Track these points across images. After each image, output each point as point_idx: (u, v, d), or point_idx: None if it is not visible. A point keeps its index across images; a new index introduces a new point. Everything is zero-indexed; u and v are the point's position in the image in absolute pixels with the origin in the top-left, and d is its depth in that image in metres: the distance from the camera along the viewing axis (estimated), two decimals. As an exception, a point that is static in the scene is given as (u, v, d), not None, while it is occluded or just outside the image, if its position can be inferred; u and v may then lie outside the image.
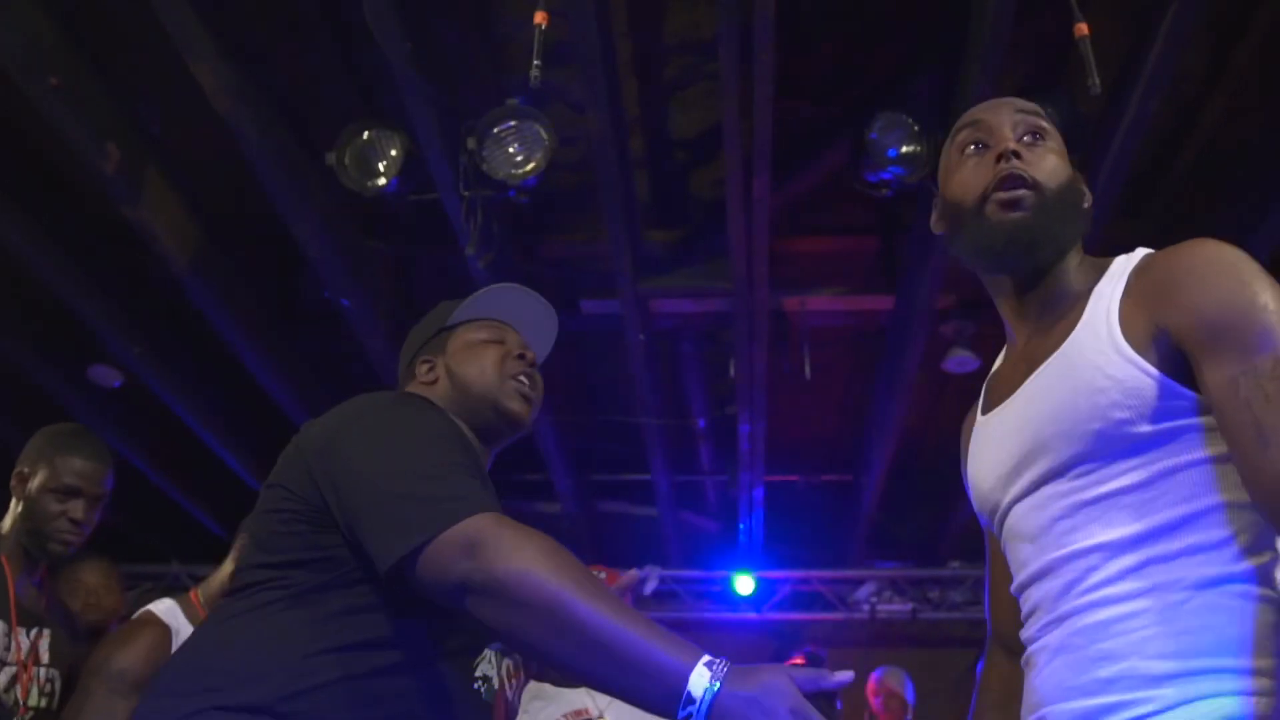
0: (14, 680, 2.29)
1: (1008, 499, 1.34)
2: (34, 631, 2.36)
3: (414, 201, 3.59)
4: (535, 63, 2.40)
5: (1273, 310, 1.16)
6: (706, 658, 1.12)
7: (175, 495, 5.64)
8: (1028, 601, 1.31)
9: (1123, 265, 1.32)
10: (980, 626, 5.51)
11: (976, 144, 1.38)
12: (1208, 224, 3.78)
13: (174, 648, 2.44)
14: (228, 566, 2.59)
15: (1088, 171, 3.36)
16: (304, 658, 1.29)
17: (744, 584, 6.07)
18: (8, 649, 2.28)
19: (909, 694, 4.41)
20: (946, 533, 5.90)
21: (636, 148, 3.79)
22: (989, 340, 4.26)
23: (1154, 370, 1.20)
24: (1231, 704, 1.10)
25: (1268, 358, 1.13)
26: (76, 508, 2.33)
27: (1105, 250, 1.40)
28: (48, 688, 2.37)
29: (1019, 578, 1.33)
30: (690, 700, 1.08)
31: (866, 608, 6.16)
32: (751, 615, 6.17)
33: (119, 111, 3.39)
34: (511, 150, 3.38)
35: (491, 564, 1.18)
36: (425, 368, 1.64)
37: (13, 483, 2.40)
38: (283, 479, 1.41)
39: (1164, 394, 1.19)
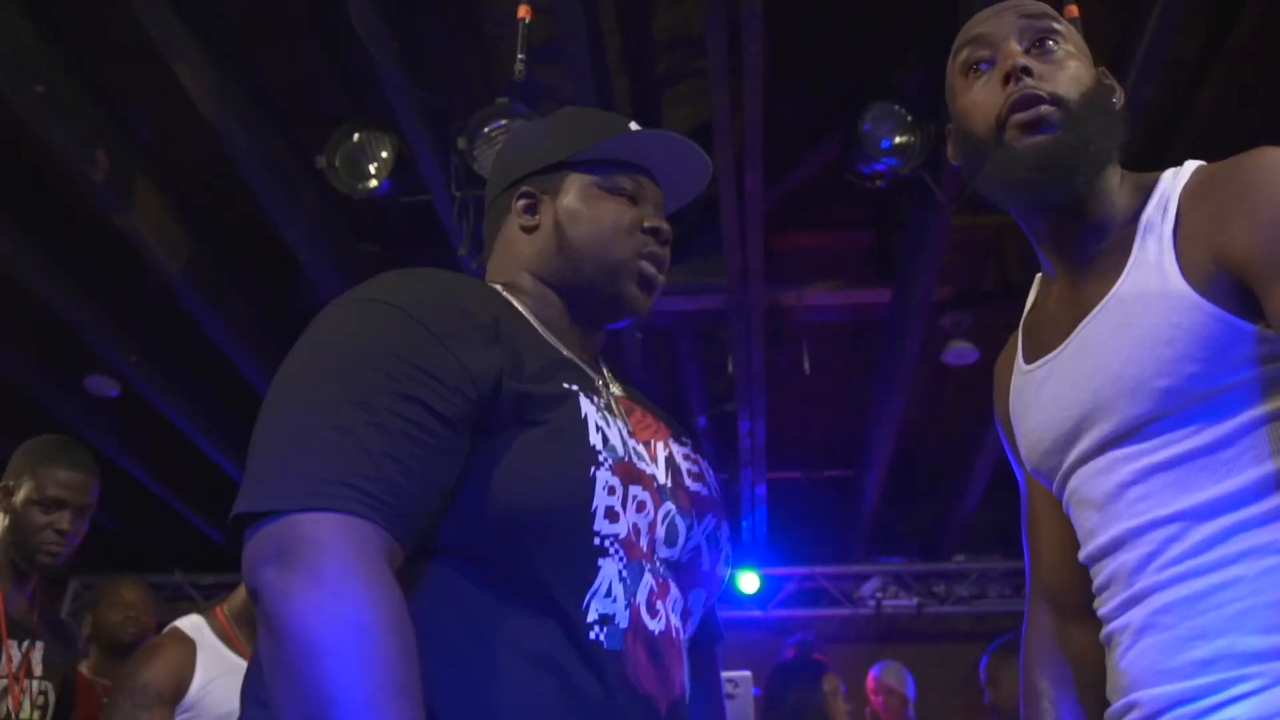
0: (5, 692, 2.27)
1: (1068, 462, 1.21)
2: (25, 644, 2.35)
3: (406, 203, 3.57)
4: (520, 56, 2.38)
5: None
6: None
7: (176, 504, 5.62)
8: (1099, 575, 1.19)
9: (1169, 185, 1.16)
10: (986, 620, 5.51)
11: (981, 63, 1.20)
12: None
13: (199, 663, 2.47)
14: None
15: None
16: None
17: (748, 582, 6.05)
18: None
19: (909, 690, 4.39)
20: (950, 526, 5.87)
21: (629, 145, 3.77)
22: (988, 332, 4.24)
23: (1223, 312, 1.05)
24: None
25: None
26: (63, 519, 2.31)
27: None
28: (40, 700, 2.36)
29: (1087, 548, 1.20)
30: None
31: (872, 603, 6.14)
32: (756, 613, 6.14)
33: (106, 119, 3.37)
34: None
35: (286, 595, 0.86)
36: (525, 204, 1.24)
37: None
38: None
39: (1237, 339, 1.06)
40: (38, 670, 2.36)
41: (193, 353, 4.50)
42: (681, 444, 1.23)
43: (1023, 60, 1.15)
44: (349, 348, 1.00)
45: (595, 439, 1.05)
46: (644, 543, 1.07)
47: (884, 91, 3.31)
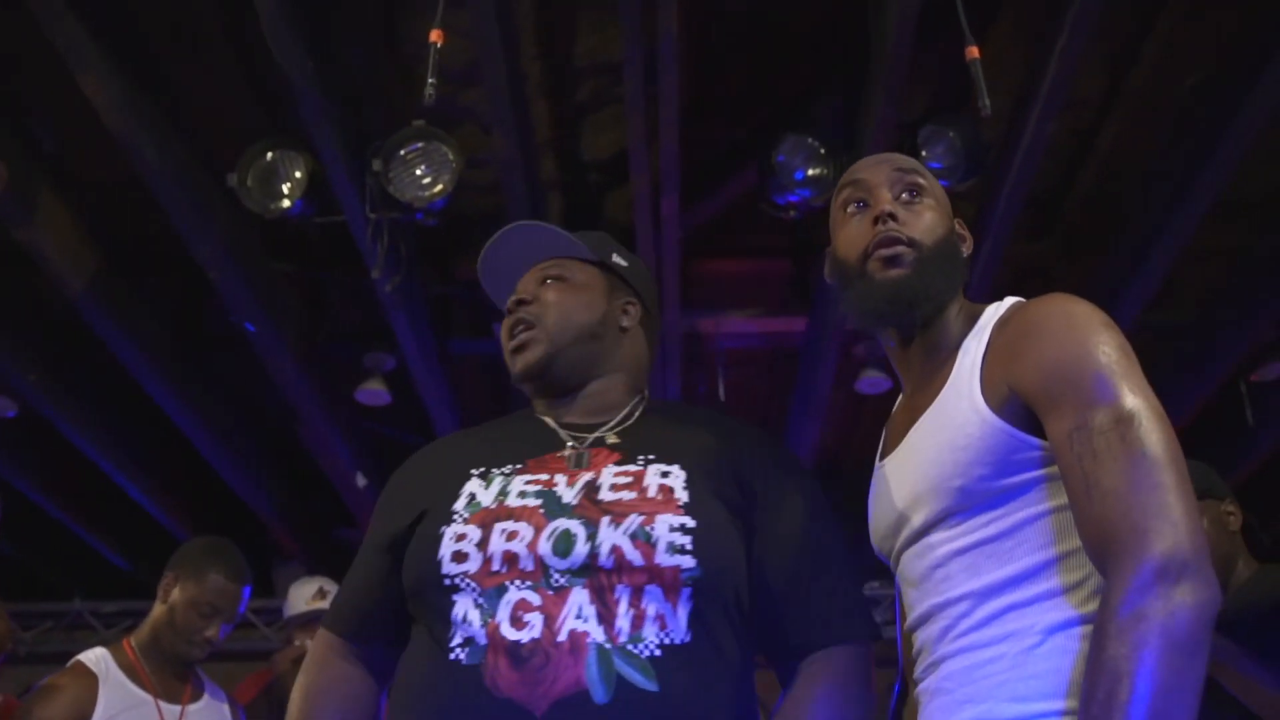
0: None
1: (898, 546, 1.40)
2: None
3: (322, 224, 3.53)
4: (430, 80, 2.37)
5: (1110, 364, 1.20)
6: None
7: (76, 529, 5.44)
8: (915, 644, 1.38)
9: (989, 317, 1.37)
10: (894, 647, 5.56)
11: (858, 202, 1.44)
12: (1106, 245, 3.87)
13: (100, 699, 2.39)
14: (158, 608, 2.58)
15: (989, 195, 3.42)
16: None
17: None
18: None
19: None
20: (865, 553, 5.92)
21: (549, 169, 3.77)
22: (901, 361, 4.31)
23: (1008, 426, 1.25)
24: None
25: (1101, 411, 1.17)
26: None
27: (1010, 272, 1.44)
28: None
29: (909, 620, 1.39)
30: None
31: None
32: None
33: (6, 129, 3.28)
34: (419, 172, 3.34)
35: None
36: None
37: None
38: None
39: (1018, 448, 1.24)
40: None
41: (96, 372, 4.38)
42: (635, 463, 1.41)
43: (890, 207, 1.39)
44: None
45: (460, 504, 1.37)
46: (507, 567, 1.29)
47: (800, 123, 3.36)
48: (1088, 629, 1.17)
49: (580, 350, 1.53)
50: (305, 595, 3.76)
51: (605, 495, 1.33)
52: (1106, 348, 1.21)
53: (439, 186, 3.28)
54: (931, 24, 2.89)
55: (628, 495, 1.33)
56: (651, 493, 1.35)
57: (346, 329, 4.47)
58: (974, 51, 2.47)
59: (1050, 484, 1.24)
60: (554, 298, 1.54)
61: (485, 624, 1.25)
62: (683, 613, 1.28)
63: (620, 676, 1.22)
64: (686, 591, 1.29)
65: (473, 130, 3.53)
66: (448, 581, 1.30)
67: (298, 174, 3.38)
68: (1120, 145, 3.68)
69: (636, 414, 1.55)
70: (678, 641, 1.27)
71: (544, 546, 1.28)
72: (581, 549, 1.27)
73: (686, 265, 3.76)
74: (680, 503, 1.34)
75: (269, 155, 3.37)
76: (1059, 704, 1.16)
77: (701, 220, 3.81)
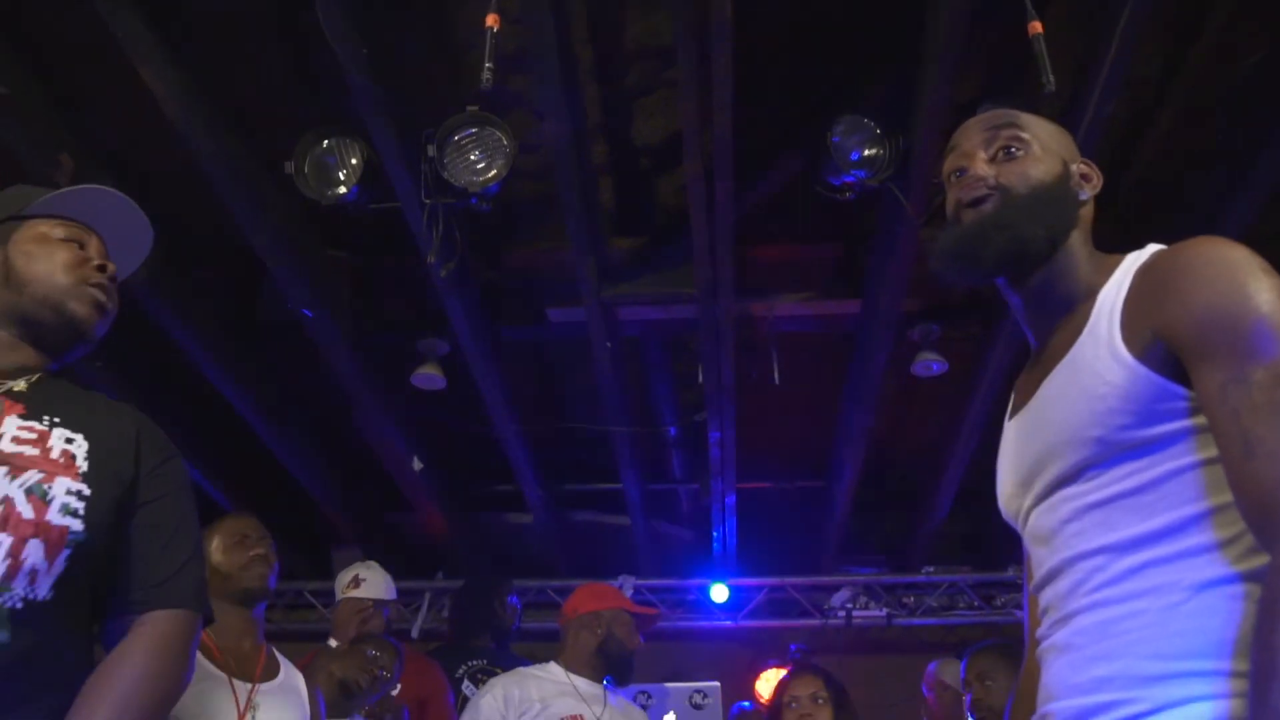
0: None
1: (1027, 503, 1.37)
2: None
3: (375, 210, 3.55)
4: (488, 65, 2.38)
5: (1268, 314, 1.14)
6: None
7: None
8: (1042, 601, 1.34)
9: (1130, 264, 1.32)
10: (955, 632, 5.50)
11: (958, 171, 1.44)
12: (1164, 228, 3.78)
13: None
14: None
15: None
16: None
17: (719, 592, 6.04)
18: None
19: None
20: (919, 538, 5.89)
21: (599, 154, 3.77)
22: (956, 344, 4.26)
23: (1152, 374, 1.20)
24: (1207, 709, 1.10)
25: (1259, 365, 1.12)
26: None
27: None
28: None
29: (1036, 578, 1.36)
30: None
31: (842, 614, 6.14)
32: (726, 623, 6.14)
33: (67, 123, 3.33)
34: (473, 157, 3.35)
35: None
36: None
37: None
38: None
39: (1162, 397, 1.20)
40: None
41: (156, 361, 4.45)
42: (35, 420, 1.46)
43: (981, 171, 1.40)
44: None
45: None
46: None
47: (853, 104, 3.32)
48: (1242, 587, 1.13)
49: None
50: (342, 583, 3.85)
51: (8, 447, 1.40)
52: (1267, 294, 1.15)
53: (493, 171, 3.29)
54: (987, 2, 2.84)
55: (26, 450, 1.41)
56: (54, 454, 1.43)
57: (397, 316, 4.50)
58: (1036, 26, 2.43)
59: (1199, 436, 1.19)
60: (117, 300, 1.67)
61: None
62: (56, 572, 1.38)
63: None
64: (66, 553, 1.39)
65: (521, 116, 3.54)
66: None
67: (353, 161, 3.41)
68: (1179, 125, 3.60)
69: (40, 374, 1.56)
70: (40, 598, 1.36)
71: None
72: None
73: (738, 249, 3.73)
74: (80, 470, 1.44)
75: (324, 143, 3.40)
76: (1205, 663, 1.12)
77: (753, 203, 3.79)
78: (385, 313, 4.48)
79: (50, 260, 1.51)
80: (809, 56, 3.45)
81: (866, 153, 3.29)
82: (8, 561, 1.34)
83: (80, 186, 1.58)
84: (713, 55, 2.90)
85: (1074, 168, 1.43)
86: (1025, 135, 1.42)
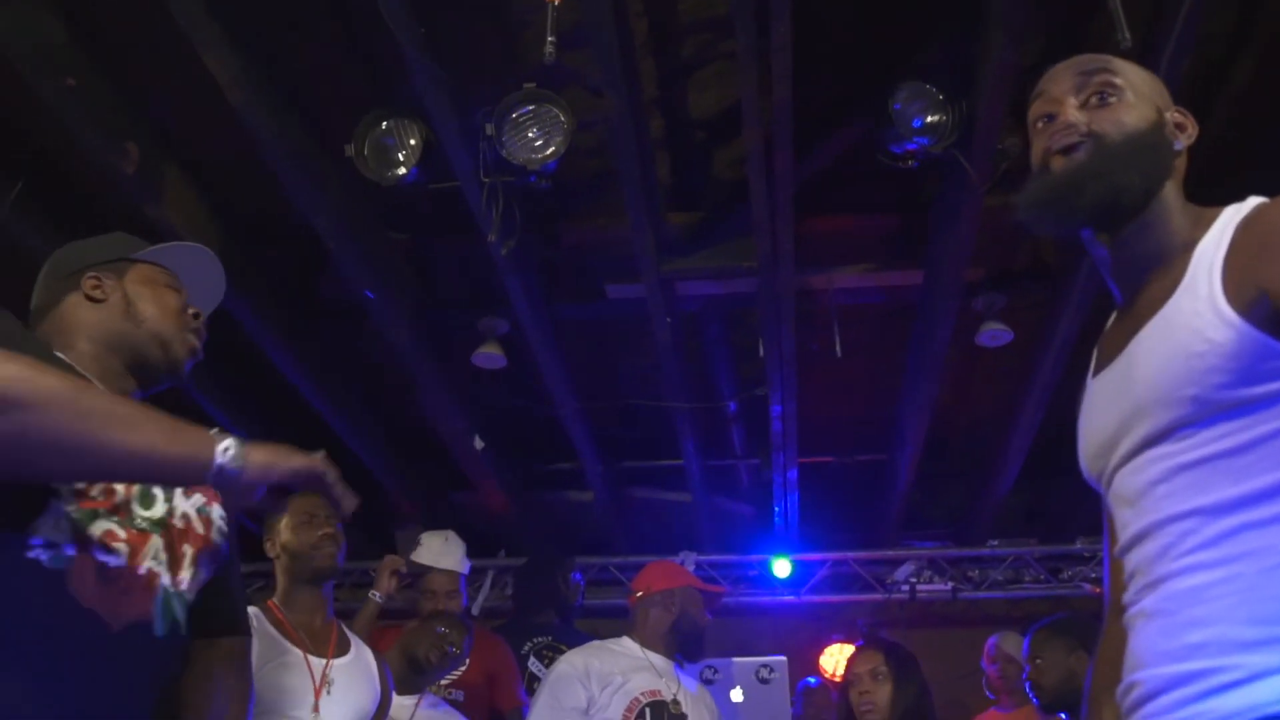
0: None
1: (1112, 463, 1.33)
2: None
3: (433, 190, 3.57)
4: (550, 39, 2.36)
5: None
6: (219, 436, 1.33)
7: (209, 494, 5.65)
8: (1128, 566, 1.30)
9: (1230, 217, 1.26)
10: (1021, 605, 5.43)
11: (1046, 116, 1.38)
12: (1238, 189, 3.67)
13: (254, 651, 2.50)
14: (279, 559, 2.74)
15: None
16: None
17: (781, 567, 6.03)
18: None
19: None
20: (983, 510, 5.82)
21: (655, 129, 3.74)
22: (1021, 313, 4.18)
23: (1257, 332, 1.15)
24: None
25: None
26: None
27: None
28: None
29: (1121, 540, 1.31)
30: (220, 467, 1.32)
31: (906, 588, 6.10)
32: (789, 598, 6.12)
33: (134, 111, 3.38)
34: (530, 135, 3.34)
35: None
36: (94, 283, 1.64)
37: None
38: None
39: (1266, 356, 1.15)
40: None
41: (222, 343, 4.51)
42: None
43: (1072, 117, 1.33)
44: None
45: None
46: (105, 497, 1.43)
47: (913, 70, 3.26)
48: None
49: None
50: (432, 551, 3.84)
51: None
52: None
53: (551, 149, 3.29)
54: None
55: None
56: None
57: (457, 295, 4.53)
58: (1107, -15, 2.35)
59: None
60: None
61: (76, 538, 1.38)
62: (200, 584, 1.59)
63: (175, 618, 1.52)
64: (213, 570, 1.62)
65: (576, 93, 3.52)
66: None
67: (411, 142, 3.42)
68: (1254, 85, 3.49)
69: None
70: (190, 601, 1.58)
71: (135, 490, 1.48)
72: (160, 507, 1.52)
73: (798, 220, 3.69)
74: (219, 498, 1.66)
75: (383, 125, 3.41)
76: None
77: (812, 174, 3.74)
78: (445, 292, 4.51)
79: (161, 303, 1.65)
80: (869, 22, 3.39)
81: (929, 119, 3.23)
82: (190, 570, 1.55)
83: (174, 244, 1.76)
84: (771, 23, 2.86)
85: (1168, 115, 1.37)
86: (1118, 81, 1.35)
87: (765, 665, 4.26)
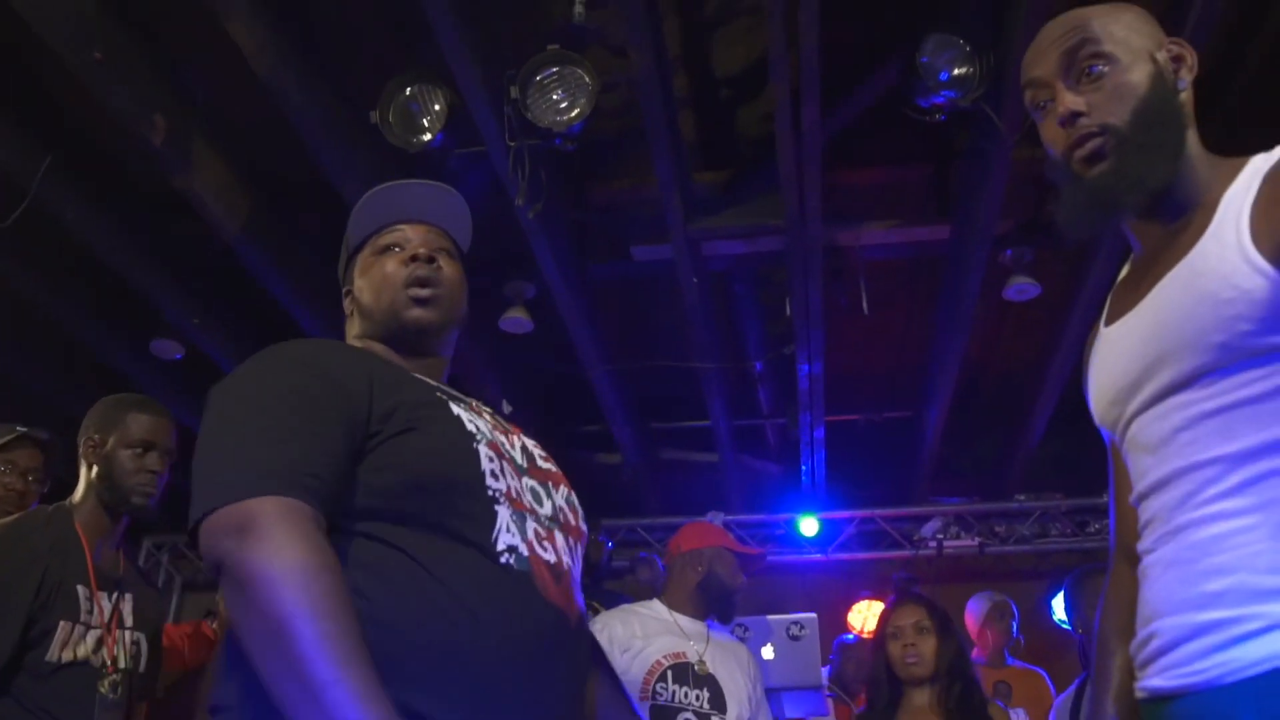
0: (100, 643, 2.34)
1: (1131, 409, 1.31)
2: (115, 595, 2.41)
3: (461, 154, 3.57)
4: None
5: None
6: None
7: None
8: (1145, 512, 1.28)
9: (1257, 166, 1.24)
10: (1049, 559, 5.48)
11: (1043, 102, 1.35)
12: (1274, 131, 3.63)
13: None
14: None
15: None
16: None
17: (809, 526, 6.06)
18: (90, 612, 2.33)
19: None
20: (1011, 465, 5.82)
21: (680, 87, 3.73)
22: (1049, 265, 4.16)
23: None
24: None
25: None
26: (153, 460, 2.45)
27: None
28: (133, 649, 2.43)
29: (1139, 487, 1.30)
30: None
31: (933, 544, 6.12)
32: (817, 556, 6.16)
33: (162, 81, 3.40)
34: (555, 97, 3.33)
35: (246, 553, 1.11)
36: (347, 301, 1.61)
37: (84, 450, 2.46)
38: None
39: None
40: (129, 620, 2.44)
41: (255, 311, 4.56)
42: (527, 437, 1.55)
43: (1070, 106, 1.29)
44: (273, 380, 1.33)
45: (470, 427, 1.37)
46: (522, 499, 1.38)
47: (941, 22, 3.23)
48: None
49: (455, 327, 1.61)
50: None
51: (541, 463, 1.50)
52: None
53: (576, 110, 3.28)
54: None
55: (552, 468, 1.52)
56: (553, 465, 1.54)
57: (484, 258, 4.54)
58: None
59: None
60: (453, 275, 1.58)
61: (525, 540, 1.34)
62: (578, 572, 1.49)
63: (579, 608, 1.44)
64: (577, 552, 1.51)
65: (599, 53, 3.51)
66: (490, 493, 1.33)
67: (436, 107, 3.42)
68: (1269, 61, 3.44)
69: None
70: None
71: (528, 495, 1.41)
72: (549, 505, 1.44)
73: (825, 174, 3.68)
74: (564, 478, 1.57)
75: (408, 90, 3.41)
76: None
77: (839, 128, 3.72)
78: (472, 256, 4.51)
79: (371, 282, 1.55)
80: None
81: (957, 72, 3.20)
82: (571, 564, 1.45)
83: (373, 192, 1.59)
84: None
85: (1161, 57, 1.31)
86: (1105, 47, 1.30)
87: (796, 622, 4.28)
